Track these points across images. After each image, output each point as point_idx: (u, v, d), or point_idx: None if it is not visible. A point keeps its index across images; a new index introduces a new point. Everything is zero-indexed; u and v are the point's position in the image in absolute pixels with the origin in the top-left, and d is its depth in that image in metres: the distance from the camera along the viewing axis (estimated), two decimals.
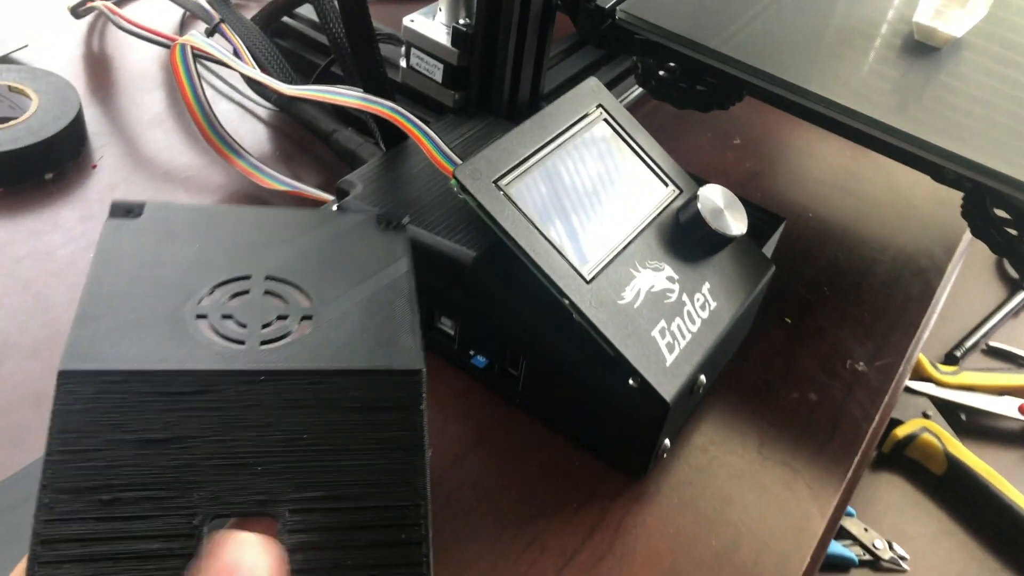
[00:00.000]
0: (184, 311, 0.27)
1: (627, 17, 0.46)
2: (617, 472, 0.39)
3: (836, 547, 0.77)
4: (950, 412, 0.91)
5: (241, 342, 0.27)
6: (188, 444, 0.24)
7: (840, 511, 0.41)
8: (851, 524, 0.79)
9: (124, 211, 0.29)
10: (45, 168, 0.49)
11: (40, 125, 0.48)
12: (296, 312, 0.28)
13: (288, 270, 0.30)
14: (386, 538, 0.25)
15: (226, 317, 0.27)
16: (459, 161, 0.40)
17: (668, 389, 0.36)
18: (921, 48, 0.48)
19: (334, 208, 0.42)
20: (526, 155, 0.38)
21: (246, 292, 0.28)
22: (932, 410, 0.87)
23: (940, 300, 0.53)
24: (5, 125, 0.48)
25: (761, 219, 0.47)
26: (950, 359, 0.96)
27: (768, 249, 0.46)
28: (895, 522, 0.80)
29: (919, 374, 0.92)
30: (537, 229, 0.36)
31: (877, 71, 0.47)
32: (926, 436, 0.83)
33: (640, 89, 0.55)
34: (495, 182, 0.37)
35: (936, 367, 0.92)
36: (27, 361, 0.39)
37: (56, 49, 0.59)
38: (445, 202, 0.41)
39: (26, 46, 0.57)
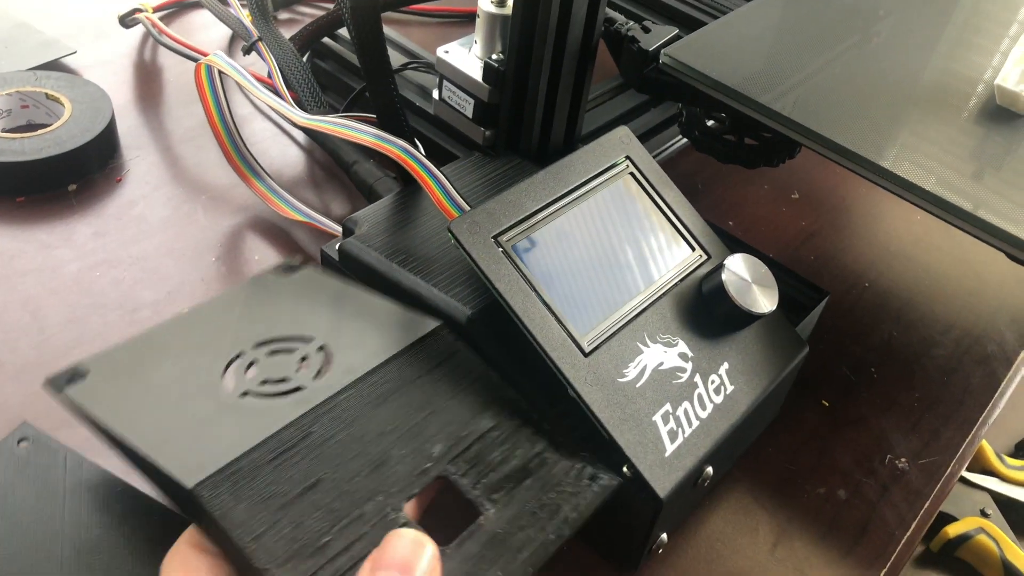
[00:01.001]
0: (222, 402, 0.30)
1: (672, 62, 0.43)
2: (607, 565, 0.36)
3: None
4: (1014, 511, 0.82)
5: (299, 387, 0.30)
6: (336, 474, 0.28)
7: None
8: None
9: (67, 378, 0.30)
10: (69, 179, 0.48)
11: (68, 136, 0.48)
12: (309, 349, 0.32)
13: (266, 331, 0.32)
14: (522, 437, 0.31)
15: (263, 383, 0.30)
16: (467, 209, 0.38)
17: (664, 484, 0.32)
18: (1003, 114, 0.44)
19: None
20: (535, 209, 0.35)
21: (253, 362, 0.31)
22: (992, 508, 0.78)
23: (1007, 391, 0.47)
24: (34, 134, 0.48)
25: (802, 292, 0.43)
26: (1019, 451, 0.87)
27: (806, 327, 0.42)
28: None
29: (981, 466, 0.84)
30: (535, 291, 0.33)
31: (950, 139, 0.42)
32: (982, 538, 0.75)
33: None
34: (495, 237, 0.34)
35: (1002, 459, 0.84)
36: (9, 384, 0.38)
37: (103, 57, 0.59)
38: (450, 251, 0.38)
39: (75, 52, 0.57)
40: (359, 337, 0.33)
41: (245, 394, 0.30)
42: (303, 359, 0.31)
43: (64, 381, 0.30)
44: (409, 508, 0.28)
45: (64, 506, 0.33)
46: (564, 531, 0.29)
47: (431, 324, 0.33)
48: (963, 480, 0.82)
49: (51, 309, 0.41)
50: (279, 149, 0.54)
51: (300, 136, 0.55)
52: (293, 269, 0.36)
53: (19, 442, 0.35)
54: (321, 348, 0.32)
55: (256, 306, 0.34)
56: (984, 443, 0.84)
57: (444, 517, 0.30)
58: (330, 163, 0.53)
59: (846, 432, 0.42)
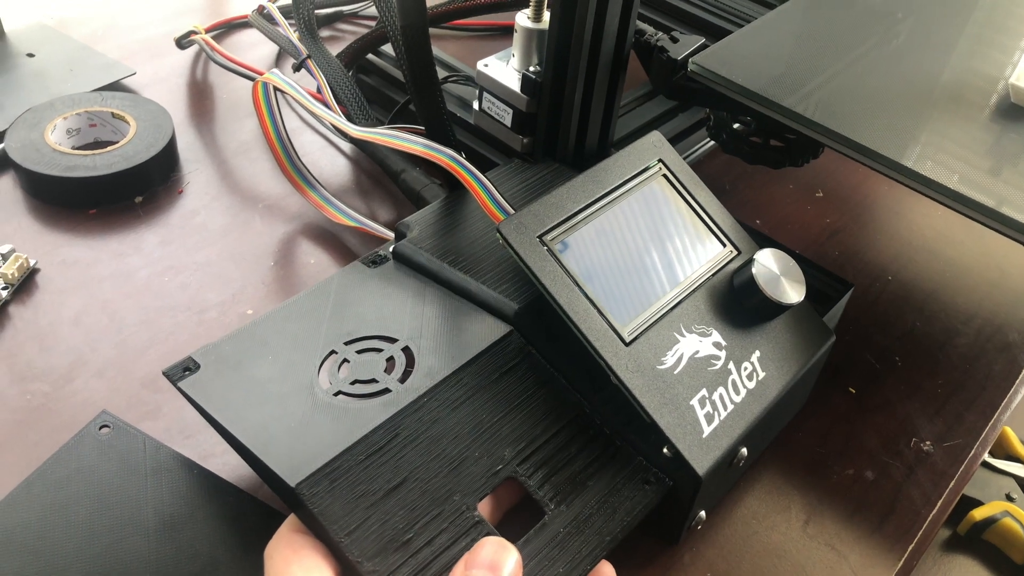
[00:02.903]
0: (319, 400, 0.32)
1: (699, 70, 0.45)
2: (649, 540, 0.38)
3: None
4: None
5: (387, 390, 0.33)
6: (419, 474, 0.31)
7: None
8: None
9: (183, 369, 0.33)
10: (136, 192, 0.52)
11: (135, 151, 0.52)
12: (394, 350, 0.35)
13: (355, 329, 0.35)
14: (583, 441, 0.34)
15: (353, 383, 0.33)
16: (511, 211, 0.40)
17: (702, 462, 0.35)
18: (1019, 112, 0.46)
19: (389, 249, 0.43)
20: (576, 209, 0.38)
21: (345, 360, 0.34)
22: (1017, 492, 0.80)
23: None
24: (104, 150, 0.51)
25: (828, 284, 0.45)
26: None
27: (832, 317, 0.44)
28: None
29: (1005, 452, 0.85)
30: (578, 286, 0.36)
31: (970, 137, 0.44)
32: (1007, 521, 0.77)
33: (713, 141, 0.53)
34: (540, 237, 0.37)
35: None
36: (94, 379, 0.41)
37: (160, 76, 0.62)
38: (496, 251, 0.41)
39: (134, 73, 0.60)
40: (439, 340, 0.35)
41: (338, 393, 0.32)
42: (389, 359, 0.34)
43: (179, 372, 0.33)
44: (484, 506, 0.31)
45: (146, 486, 0.36)
46: (621, 530, 0.32)
47: (502, 329, 0.36)
48: (988, 466, 0.83)
49: (127, 312, 0.45)
50: (328, 160, 0.57)
51: (346, 147, 0.58)
52: (378, 261, 0.39)
53: (100, 428, 0.38)
54: (405, 349, 0.35)
55: (346, 299, 0.37)
56: (1008, 429, 0.85)
57: (512, 515, 0.33)
58: (376, 172, 0.56)
59: (872, 417, 0.45)
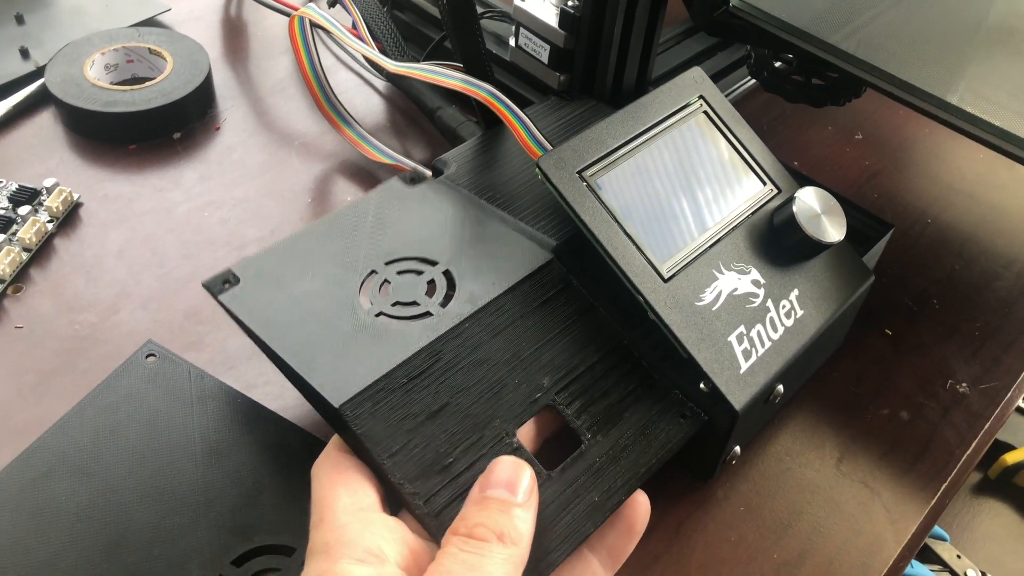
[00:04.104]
0: (360, 320, 0.32)
1: (742, 5, 0.45)
2: (684, 474, 0.39)
3: (923, 571, 0.73)
4: None
5: (428, 313, 0.33)
6: (459, 399, 0.31)
7: (919, 539, 0.39)
8: (943, 549, 0.75)
9: (222, 282, 0.33)
10: (174, 128, 0.52)
11: (172, 87, 0.52)
12: (435, 273, 0.35)
13: (396, 248, 0.35)
14: (622, 372, 0.34)
15: (395, 305, 0.33)
16: (549, 147, 0.40)
17: (739, 397, 0.35)
18: None
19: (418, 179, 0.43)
20: (616, 146, 0.38)
21: (386, 281, 0.34)
22: None
23: None
24: (142, 86, 0.52)
25: (868, 224, 0.45)
26: None
27: (871, 258, 0.44)
28: (993, 552, 0.75)
29: None
30: (617, 222, 0.36)
31: (1014, 76, 0.43)
32: None
33: (753, 80, 0.53)
34: (579, 172, 0.37)
35: None
36: (139, 311, 0.42)
37: (195, 13, 0.62)
38: (533, 188, 0.41)
39: (169, 9, 0.60)
40: (480, 264, 0.35)
41: (380, 314, 0.32)
42: (430, 282, 0.34)
43: (219, 285, 0.33)
44: (522, 433, 0.31)
45: (192, 413, 0.37)
46: (656, 462, 0.32)
47: (544, 256, 0.36)
48: (1022, 411, 0.83)
49: (168, 246, 0.45)
50: (362, 98, 0.57)
51: (381, 86, 0.58)
52: (416, 180, 0.39)
53: (147, 357, 0.39)
54: (446, 272, 0.35)
55: (386, 218, 0.37)
56: None
57: (551, 444, 0.33)
58: (410, 111, 0.56)
59: (908, 358, 0.45)
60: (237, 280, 0.33)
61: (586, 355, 0.34)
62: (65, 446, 0.35)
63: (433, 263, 0.35)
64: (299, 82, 0.57)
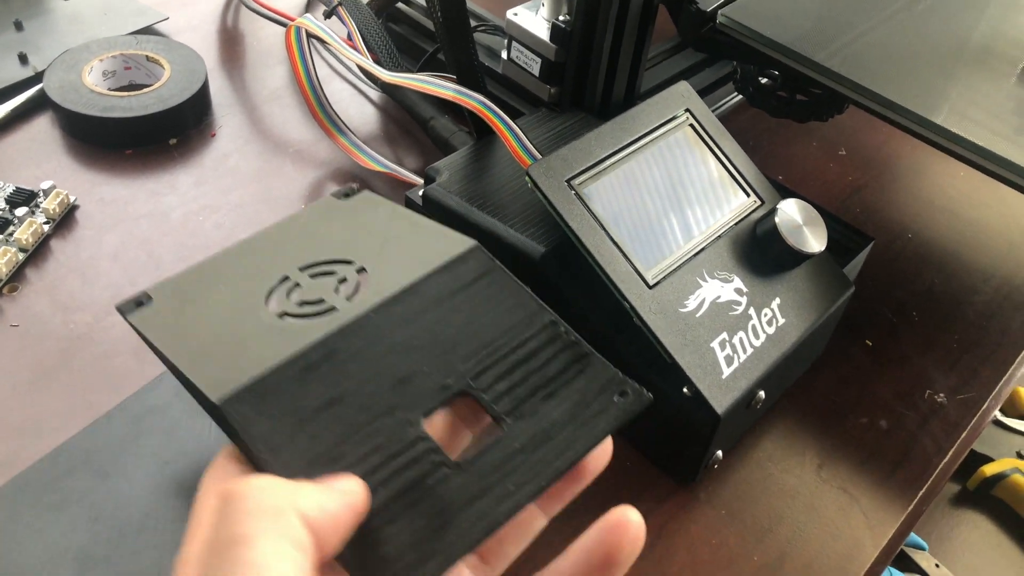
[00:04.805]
0: (262, 323, 0.30)
1: (729, 22, 0.46)
2: (666, 478, 0.39)
3: None
4: None
5: (332, 308, 0.30)
6: (359, 390, 0.28)
7: (895, 544, 0.40)
8: (921, 558, 0.76)
9: (135, 304, 0.32)
10: (170, 133, 0.53)
11: (169, 94, 0.53)
12: (348, 271, 0.32)
13: (313, 255, 0.33)
14: (551, 352, 0.30)
15: (301, 304, 0.31)
16: (539, 157, 0.41)
17: (721, 401, 0.36)
18: None
19: (419, 192, 0.44)
20: (603, 156, 0.39)
21: (297, 285, 0.32)
22: None
23: None
24: (139, 92, 0.52)
25: (849, 237, 0.46)
26: None
27: (852, 270, 0.45)
28: (971, 562, 0.76)
29: (1018, 411, 0.86)
30: (604, 230, 0.37)
31: (997, 94, 0.45)
32: (1016, 477, 0.78)
33: (739, 95, 0.54)
34: (568, 181, 0.37)
35: None
36: None
37: (193, 23, 0.63)
38: (523, 196, 0.42)
39: (167, 18, 0.61)
40: (397, 257, 0.33)
41: (283, 315, 0.31)
42: (342, 281, 0.32)
43: (131, 307, 0.32)
44: (436, 425, 0.28)
45: (210, 425, 0.38)
46: (583, 448, 0.28)
47: (466, 244, 0.33)
48: (1000, 424, 0.84)
49: (164, 249, 0.46)
50: (356, 108, 0.58)
51: (375, 96, 0.59)
52: (350, 194, 0.37)
53: None
54: (361, 270, 0.32)
55: (310, 230, 0.35)
56: (1021, 390, 0.86)
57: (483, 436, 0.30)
58: (403, 121, 0.57)
59: (888, 369, 0.45)
60: (150, 300, 0.32)
61: (510, 337, 0.30)
62: (89, 448, 0.37)
63: (348, 262, 0.33)
64: (294, 91, 0.58)
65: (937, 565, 0.75)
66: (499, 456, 0.27)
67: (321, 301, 0.31)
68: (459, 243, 0.33)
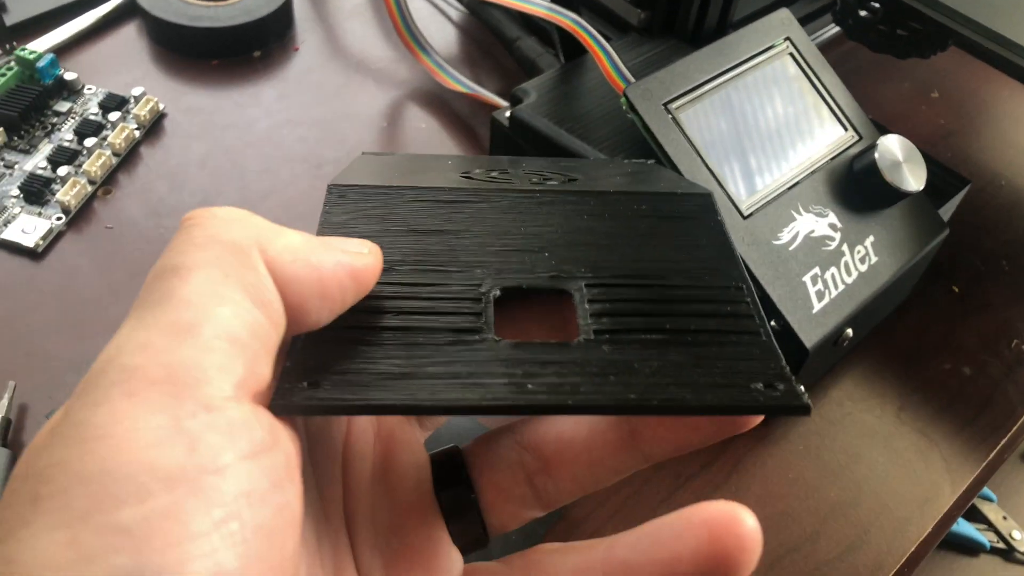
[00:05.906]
0: (446, 175, 0.27)
1: None
2: None
3: (968, 529, 0.74)
4: None
5: (511, 182, 0.27)
6: (461, 234, 0.23)
7: (973, 491, 0.39)
8: (989, 509, 0.75)
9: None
10: (254, 46, 0.53)
11: (255, 5, 0.52)
12: (556, 177, 0.28)
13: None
14: (713, 310, 0.22)
15: (487, 172, 0.28)
16: (633, 80, 0.40)
17: (810, 336, 0.35)
18: None
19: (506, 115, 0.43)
20: (701, 81, 0.38)
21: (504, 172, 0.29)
22: None
23: None
24: (227, 3, 0.52)
25: (944, 179, 0.44)
26: None
27: (946, 212, 0.44)
28: None
29: None
30: (700, 157, 0.36)
31: None
32: None
33: (837, 27, 0.52)
34: (665, 105, 0.37)
35: None
36: None
37: None
38: (613, 120, 0.41)
39: None
40: (618, 179, 0.29)
41: (466, 175, 0.27)
42: (545, 179, 0.28)
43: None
44: (511, 312, 0.22)
45: None
46: (646, 403, 0.19)
47: (700, 188, 0.27)
48: None
49: (248, 159, 0.46)
50: (437, 27, 0.57)
51: (455, 15, 0.58)
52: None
53: None
54: (572, 180, 0.28)
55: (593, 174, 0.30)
56: None
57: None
58: (485, 42, 0.56)
59: (973, 316, 0.44)
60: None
61: (680, 277, 0.23)
62: None
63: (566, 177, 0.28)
64: (376, 8, 0.57)
65: (1005, 517, 0.74)
66: (550, 356, 0.20)
67: (507, 176, 0.27)
68: (690, 185, 0.28)
